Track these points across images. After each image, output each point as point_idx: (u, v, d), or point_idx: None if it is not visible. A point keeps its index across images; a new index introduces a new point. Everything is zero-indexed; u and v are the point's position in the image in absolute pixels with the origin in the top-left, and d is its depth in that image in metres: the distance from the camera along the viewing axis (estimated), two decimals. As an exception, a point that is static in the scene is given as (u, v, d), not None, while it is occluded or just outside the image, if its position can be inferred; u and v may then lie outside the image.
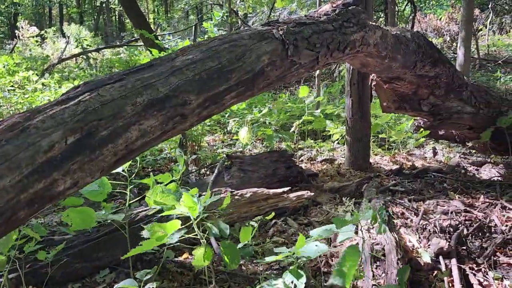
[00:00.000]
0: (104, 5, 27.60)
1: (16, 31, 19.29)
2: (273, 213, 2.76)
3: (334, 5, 2.28)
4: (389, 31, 2.66)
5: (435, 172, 4.03)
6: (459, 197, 3.48)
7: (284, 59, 1.82)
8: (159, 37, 12.84)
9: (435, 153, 5.32)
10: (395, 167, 4.40)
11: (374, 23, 2.46)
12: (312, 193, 2.98)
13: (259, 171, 3.75)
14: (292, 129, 4.74)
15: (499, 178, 4.10)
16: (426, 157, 5.27)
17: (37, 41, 18.60)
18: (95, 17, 31.07)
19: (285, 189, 2.86)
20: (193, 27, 13.28)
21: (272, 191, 2.81)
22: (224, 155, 3.93)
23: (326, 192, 3.82)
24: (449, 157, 5.26)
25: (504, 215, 3.22)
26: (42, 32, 19.70)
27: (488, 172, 4.34)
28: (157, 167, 5.37)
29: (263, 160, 3.81)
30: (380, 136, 4.92)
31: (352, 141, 4.22)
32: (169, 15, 25.72)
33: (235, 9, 15.35)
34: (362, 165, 4.24)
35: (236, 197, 2.76)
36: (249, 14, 16.77)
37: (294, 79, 2.09)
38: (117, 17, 32.71)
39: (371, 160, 4.57)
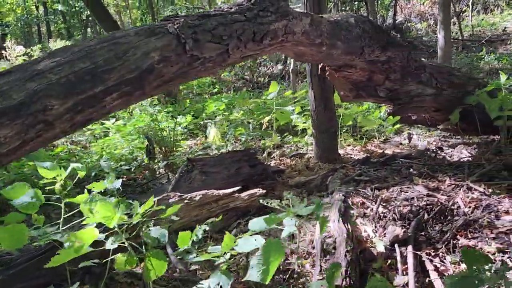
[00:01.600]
0: (90, 18, 27.53)
1: (3, 52, 19.30)
2: (221, 216, 2.70)
3: None
4: (324, 18, 2.58)
5: (403, 158, 3.96)
6: (424, 182, 3.41)
7: (181, 54, 1.74)
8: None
9: (410, 138, 5.25)
10: (366, 155, 4.34)
11: (301, 11, 2.38)
12: (264, 191, 2.91)
13: (222, 172, 3.69)
14: (264, 126, 4.68)
15: (470, 158, 4.03)
16: (402, 144, 5.20)
17: (24, 60, 18.62)
18: (83, 30, 31.01)
19: (235, 188, 2.79)
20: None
21: (222, 191, 2.75)
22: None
23: (292, 188, 3.76)
24: (427, 141, 5.19)
25: (468, 196, 3.15)
26: (29, 50, 19.70)
27: (460, 154, 4.27)
28: (132, 176, 5.32)
29: (225, 160, 3.75)
30: (347, 124, 4.84)
31: (317, 134, 4.16)
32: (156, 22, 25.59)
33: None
34: (331, 157, 4.17)
35: (186, 201, 2.69)
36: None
37: (204, 74, 2.01)
38: (105, 29, 32.66)
39: (341, 151, 4.50)
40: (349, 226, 2.60)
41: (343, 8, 12.99)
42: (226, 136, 5.89)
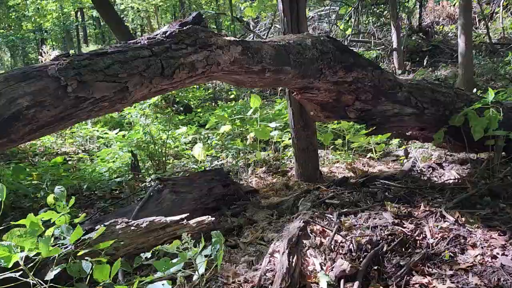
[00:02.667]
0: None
1: (39, 57, 20.09)
2: (177, 242, 2.64)
3: (171, 26, 2.13)
4: (266, 44, 2.47)
5: (384, 179, 3.79)
6: (396, 207, 3.24)
7: (61, 97, 1.67)
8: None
9: (407, 154, 5.05)
10: (350, 174, 4.19)
11: (234, 38, 2.28)
12: (213, 218, 2.84)
13: (192, 192, 3.65)
14: (248, 141, 4.60)
15: (457, 179, 3.81)
16: (398, 159, 4.99)
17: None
18: (117, 35, 31.78)
19: (183, 216, 2.74)
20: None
21: (169, 219, 2.71)
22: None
23: (264, 209, 3.67)
24: (425, 157, 4.97)
25: (437, 226, 2.97)
26: (61, 55, 20.31)
27: (449, 174, 4.04)
28: (125, 188, 5.35)
29: (197, 180, 3.71)
30: (326, 143, 4.68)
31: (298, 152, 4.04)
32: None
33: (238, 16, 15.32)
34: (312, 176, 4.05)
35: (132, 227, 2.67)
36: (255, 19, 16.60)
37: (103, 112, 1.96)
38: (140, 32, 33.38)
39: (326, 169, 4.37)
40: (295, 259, 2.50)
41: (363, 11, 12.69)
42: (223, 150, 5.84)
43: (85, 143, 8.69)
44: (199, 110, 8.80)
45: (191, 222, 2.74)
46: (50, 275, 2.24)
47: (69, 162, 6.98)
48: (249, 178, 4.28)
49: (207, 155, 5.05)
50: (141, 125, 5.35)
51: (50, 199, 4.71)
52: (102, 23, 32.82)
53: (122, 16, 25.27)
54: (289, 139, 4.57)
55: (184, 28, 2.09)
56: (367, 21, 12.89)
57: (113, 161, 5.91)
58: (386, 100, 3.32)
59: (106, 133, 6.76)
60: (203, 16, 2.14)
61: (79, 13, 32.85)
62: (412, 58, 12.44)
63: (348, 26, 12.20)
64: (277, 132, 4.48)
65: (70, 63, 1.70)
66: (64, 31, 31.46)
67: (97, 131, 8.09)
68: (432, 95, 3.65)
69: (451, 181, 3.79)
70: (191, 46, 2.05)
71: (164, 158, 5.25)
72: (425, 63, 11.75)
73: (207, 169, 4.36)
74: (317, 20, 13.21)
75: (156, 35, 2.04)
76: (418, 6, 13.65)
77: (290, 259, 2.49)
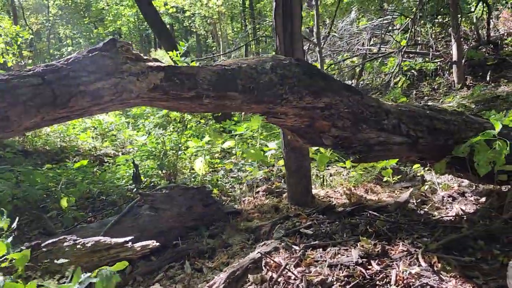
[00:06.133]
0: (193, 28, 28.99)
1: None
2: (125, 263, 2.61)
3: (79, 53, 2.07)
4: (204, 68, 2.33)
5: (374, 210, 3.51)
6: (369, 244, 2.97)
7: None
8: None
9: (423, 181, 4.67)
10: (345, 201, 3.94)
11: (157, 64, 2.17)
12: (157, 244, 2.78)
13: (171, 209, 3.63)
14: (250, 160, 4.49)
15: (456, 216, 3.43)
16: (411, 186, 4.62)
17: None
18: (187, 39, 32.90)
19: (127, 238, 2.71)
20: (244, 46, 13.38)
21: (114, 240, 2.69)
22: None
23: (241, 233, 3.55)
24: (447, 185, 4.57)
25: (406, 271, 2.67)
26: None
27: (456, 208, 3.66)
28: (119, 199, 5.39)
29: (177, 197, 3.68)
30: (321, 168, 4.41)
31: (288, 174, 3.88)
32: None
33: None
34: (302, 200, 3.86)
35: (78, 246, 2.69)
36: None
37: None
38: (210, 38, 34.33)
39: (322, 193, 4.14)
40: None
41: (425, 21, 12.00)
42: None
43: (126, 144, 8.99)
44: (235, 118, 8.79)
45: (136, 245, 2.70)
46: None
47: (107, 164, 7.25)
48: (242, 197, 4.17)
49: (226, 167, 5.02)
50: (154, 135, 5.43)
51: (63, 202, 4.89)
52: (174, 29, 34.21)
53: (189, 22, 26.12)
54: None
55: (90, 55, 2.05)
56: (425, 32, 12.18)
57: (130, 168, 6.05)
58: (369, 128, 3.06)
59: (135, 139, 6.97)
60: (120, 40, 2.08)
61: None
62: (474, 72, 11.56)
63: (403, 38, 11.61)
64: (273, 152, 4.33)
65: None
66: (139, 35, 33.21)
67: (136, 135, 8.37)
68: (430, 122, 3.32)
69: (450, 217, 3.43)
70: (94, 74, 2.00)
71: (173, 169, 5.28)
72: (487, 78, 10.86)
73: (191, 186, 4.32)
74: (370, 31, 12.70)
75: (59, 61, 2.02)
76: (487, 17, 12.62)
77: (221, 295, 2.37)
